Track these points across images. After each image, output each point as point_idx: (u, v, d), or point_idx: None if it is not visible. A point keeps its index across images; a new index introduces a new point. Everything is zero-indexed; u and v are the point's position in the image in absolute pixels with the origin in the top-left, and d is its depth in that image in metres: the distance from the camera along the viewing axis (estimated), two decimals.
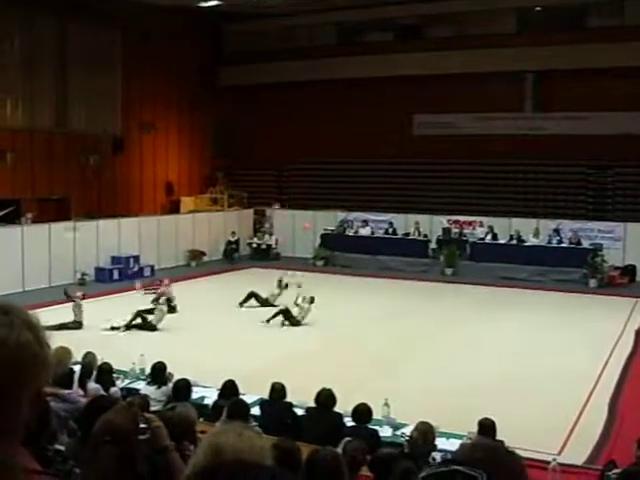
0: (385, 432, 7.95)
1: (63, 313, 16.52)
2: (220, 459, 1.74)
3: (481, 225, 24.93)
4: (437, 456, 7.56)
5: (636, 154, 23.90)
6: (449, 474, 2.14)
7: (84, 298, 16.19)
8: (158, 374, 8.90)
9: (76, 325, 15.47)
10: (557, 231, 23.24)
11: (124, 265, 22.10)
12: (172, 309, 17.00)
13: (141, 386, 9.29)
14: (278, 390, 8.21)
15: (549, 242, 23.14)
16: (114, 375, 9.41)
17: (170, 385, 8.65)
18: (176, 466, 3.19)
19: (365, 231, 25.91)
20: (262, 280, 22.01)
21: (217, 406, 7.75)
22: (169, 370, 9.56)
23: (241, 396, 8.07)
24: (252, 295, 18.18)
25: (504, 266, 22.81)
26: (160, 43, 26.85)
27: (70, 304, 16.01)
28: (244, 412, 6.94)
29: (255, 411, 8.38)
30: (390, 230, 25.65)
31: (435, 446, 6.85)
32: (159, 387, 8.73)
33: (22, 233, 20.14)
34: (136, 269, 22.63)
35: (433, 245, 24.73)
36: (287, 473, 3.94)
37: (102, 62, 25.37)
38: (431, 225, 25.37)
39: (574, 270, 21.99)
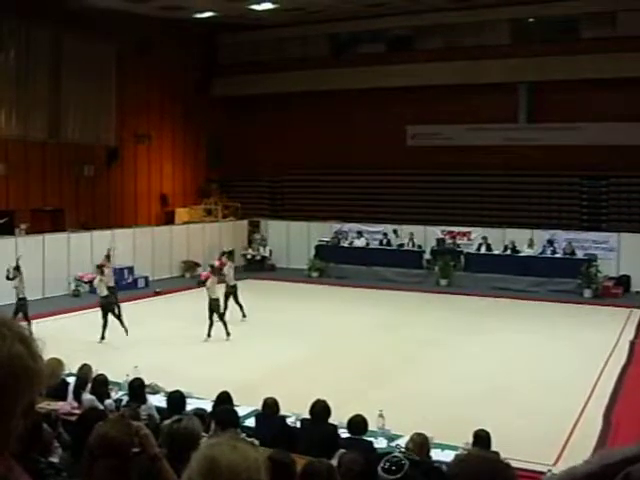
0: (380, 443, 7.91)
1: (59, 325, 16.53)
2: (215, 472, 1.73)
3: (469, 239, 25.02)
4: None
5: (630, 164, 23.99)
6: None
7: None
8: (137, 392, 8.67)
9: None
10: (551, 242, 23.29)
11: (118, 276, 22.01)
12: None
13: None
14: (270, 406, 8.15)
15: (543, 252, 23.19)
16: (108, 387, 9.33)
17: (150, 403, 8.50)
18: (166, 474, 3.17)
19: (360, 242, 25.92)
20: (256, 291, 22.02)
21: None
22: (160, 382, 9.52)
23: (236, 407, 8.02)
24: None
25: (498, 277, 22.85)
26: (154, 54, 26.90)
27: None
28: (234, 420, 6.91)
29: (250, 422, 8.35)
30: (385, 241, 25.66)
31: (430, 457, 6.82)
32: (139, 406, 8.50)
33: (16, 244, 20.07)
34: (130, 280, 22.59)
35: (427, 256, 24.76)
36: None
37: (96, 73, 25.38)
38: (425, 236, 25.39)
39: (568, 280, 22.02)
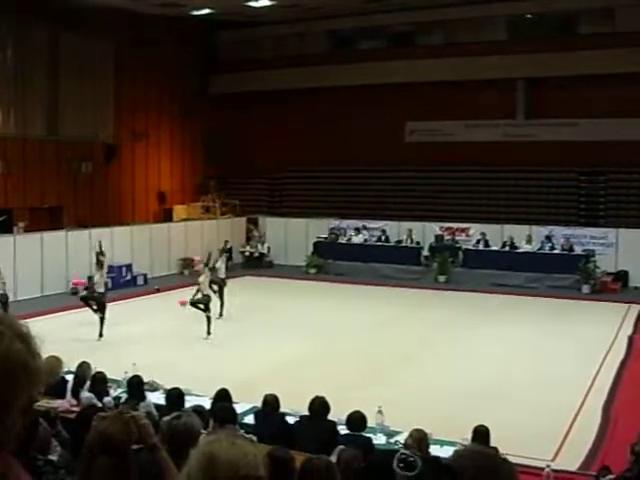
0: (379, 440, 7.92)
1: (57, 323, 16.52)
2: (214, 468, 1.73)
3: (467, 235, 25.06)
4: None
5: (627, 160, 23.98)
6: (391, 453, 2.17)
7: None
8: (135, 389, 8.73)
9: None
10: (549, 237, 23.30)
11: (116, 274, 22.02)
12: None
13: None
14: (271, 402, 8.15)
15: (541, 248, 23.20)
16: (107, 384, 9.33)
17: (148, 400, 8.50)
18: (165, 465, 3.17)
19: (358, 239, 25.92)
20: (254, 288, 22.06)
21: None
22: (159, 380, 9.53)
23: (235, 405, 8.03)
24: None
25: (497, 273, 22.86)
26: (152, 51, 26.86)
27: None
28: (231, 416, 6.91)
29: (249, 419, 8.35)
30: (383, 237, 25.66)
31: (429, 453, 6.82)
32: (137, 403, 8.49)
33: (14, 242, 20.07)
34: (129, 277, 22.60)
35: (426, 252, 24.76)
36: None
37: (94, 70, 25.34)
38: (424, 232, 25.39)
39: (567, 276, 22.05)
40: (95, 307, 15.84)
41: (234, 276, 24.34)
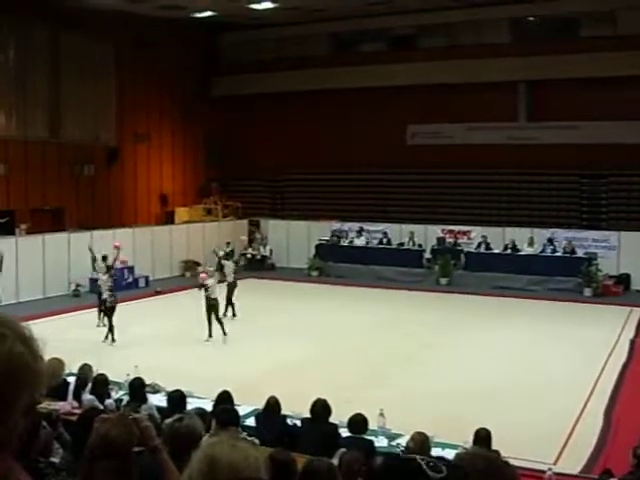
0: (380, 442, 7.91)
1: (58, 325, 16.52)
2: (215, 471, 1.73)
3: (469, 238, 25.04)
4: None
5: (629, 163, 23.99)
6: (409, 461, 2.17)
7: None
8: (137, 391, 8.64)
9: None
10: (551, 240, 23.27)
11: (118, 276, 21.96)
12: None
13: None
14: (273, 405, 8.15)
15: (543, 251, 23.18)
16: (108, 387, 9.32)
17: (150, 402, 8.49)
18: (166, 467, 3.17)
19: (360, 241, 25.91)
20: (256, 291, 22.05)
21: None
22: (161, 382, 9.53)
23: (236, 407, 8.02)
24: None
25: (499, 275, 22.84)
26: (154, 53, 26.88)
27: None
28: (234, 419, 6.90)
29: (251, 422, 8.34)
30: (384, 240, 25.65)
31: (431, 456, 6.80)
32: (139, 405, 8.48)
33: (16, 244, 20.08)
34: (130, 280, 22.59)
35: (428, 255, 24.75)
36: None
37: (96, 72, 25.35)
38: (426, 235, 25.39)
39: (569, 279, 22.02)
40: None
41: (237, 278, 24.35)
